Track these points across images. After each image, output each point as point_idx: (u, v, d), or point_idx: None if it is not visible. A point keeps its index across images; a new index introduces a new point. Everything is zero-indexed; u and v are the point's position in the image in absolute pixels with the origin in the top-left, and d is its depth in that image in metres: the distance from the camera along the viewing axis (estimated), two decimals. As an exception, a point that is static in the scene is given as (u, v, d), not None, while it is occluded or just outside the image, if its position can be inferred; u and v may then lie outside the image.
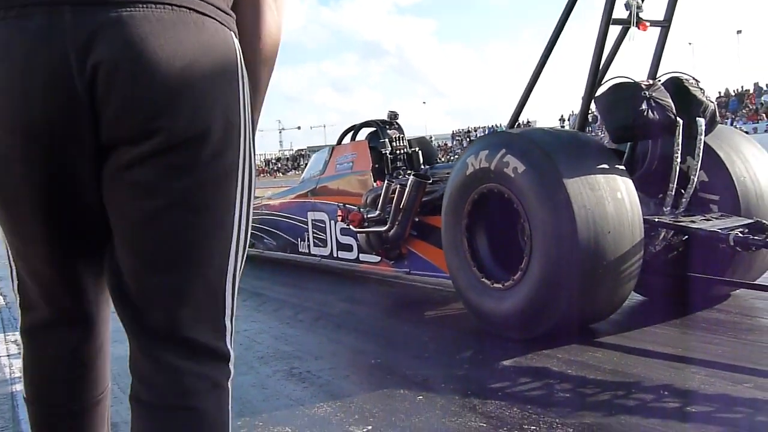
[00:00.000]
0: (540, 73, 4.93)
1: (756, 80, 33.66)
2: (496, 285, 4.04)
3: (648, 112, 4.02)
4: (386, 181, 5.40)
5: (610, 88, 4.26)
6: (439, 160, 6.80)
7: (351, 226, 5.65)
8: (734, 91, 34.27)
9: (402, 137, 6.63)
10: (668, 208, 4.22)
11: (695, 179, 4.23)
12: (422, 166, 6.46)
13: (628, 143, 4.55)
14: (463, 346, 3.95)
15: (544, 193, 3.73)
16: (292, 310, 5.25)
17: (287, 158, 75.69)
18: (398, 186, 5.26)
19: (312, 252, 6.94)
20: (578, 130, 4.50)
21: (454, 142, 52.46)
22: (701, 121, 4.21)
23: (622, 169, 3.91)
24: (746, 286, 4.30)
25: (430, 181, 5.28)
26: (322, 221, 6.70)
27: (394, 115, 6.73)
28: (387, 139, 6.48)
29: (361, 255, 6.14)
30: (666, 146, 4.32)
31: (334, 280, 6.66)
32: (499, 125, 50.34)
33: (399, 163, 6.49)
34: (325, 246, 6.69)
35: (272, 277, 7.13)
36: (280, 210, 7.55)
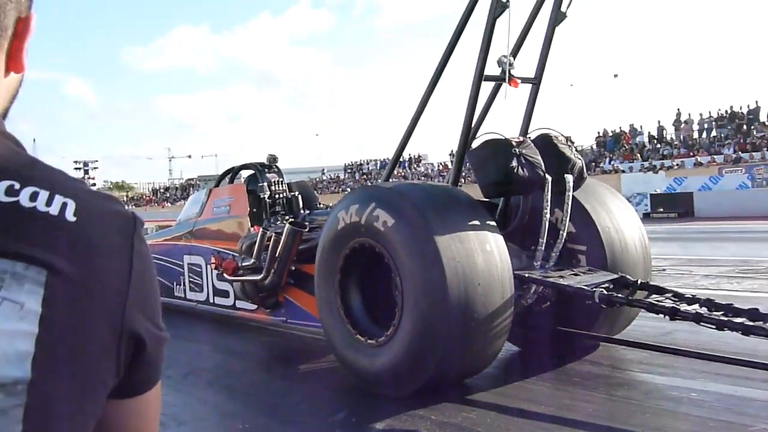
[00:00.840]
0: (418, 119, 4.94)
1: (631, 122, 35.40)
2: (369, 341, 3.96)
3: (518, 169, 4.07)
4: (261, 229, 5.27)
5: (481, 144, 4.30)
6: (319, 205, 6.70)
7: (225, 275, 5.47)
8: (612, 131, 35.92)
9: (281, 181, 6.51)
10: (539, 262, 4.27)
11: (564, 233, 4.31)
12: (301, 211, 6.35)
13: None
14: (335, 407, 3.84)
15: (414, 245, 3.70)
16: (160, 364, 4.98)
17: (176, 187, 73.80)
18: (274, 234, 5.14)
19: (188, 297, 6.68)
20: (451, 184, 4.51)
21: (346, 175, 52.66)
22: (569, 178, 4.31)
23: (492, 224, 3.93)
24: (612, 341, 4.40)
25: (306, 229, 5.18)
26: (199, 265, 6.47)
27: (273, 159, 6.60)
28: (266, 183, 6.34)
29: (237, 302, 5.95)
30: (537, 200, 4.38)
31: (211, 328, 6.40)
32: (388, 159, 51.01)
33: (278, 208, 6.36)
34: (202, 291, 6.46)
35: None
36: (156, 252, 7.24)
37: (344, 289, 4.19)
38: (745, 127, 29.14)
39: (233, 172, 6.83)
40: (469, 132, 4.40)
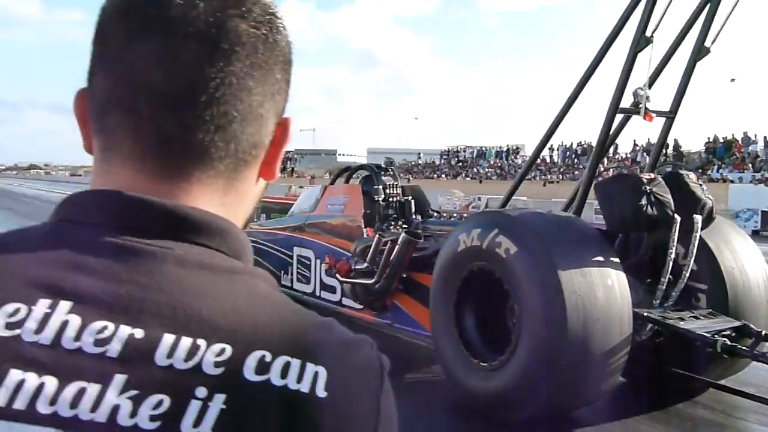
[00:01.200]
0: (551, 135, 4.91)
1: (745, 129, 33.98)
2: (482, 364, 4.01)
3: (647, 207, 4.04)
4: (377, 236, 5.37)
5: (612, 178, 4.29)
6: (431, 211, 6.79)
7: (338, 276, 5.62)
8: (723, 138, 34.59)
9: (396, 185, 6.63)
10: (658, 300, 4.22)
11: (687, 274, 4.25)
12: (414, 217, 6.45)
13: None
14: (441, 426, 3.91)
15: (536, 275, 3.73)
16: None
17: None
18: (390, 242, 5.24)
19: (294, 287, 6.89)
20: (575, 214, 4.50)
21: (442, 161, 52.59)
22: (698, 219, 4.24)
23: (614, 259, 3.91)
24: (728, 390, 4.31)
25: (421, 240, 5.27)
26: (308, 258, 6.66)
27: (390, 162, 6.77)
28: (381, 186, 6.46)
29: (343, 299, 6.10)
30: (659, 237, 4.32)
31: None
32: (486, 147, 50.59)
33: (391, 211, 6.48)
34: (309, 283, 6.65)
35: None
36: (266, 239, 7.49)
37: (459, 310, 4.26)
38: None
39: (350, 172, 6.97)
40: (598, 163, 4.37)
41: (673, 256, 4.18)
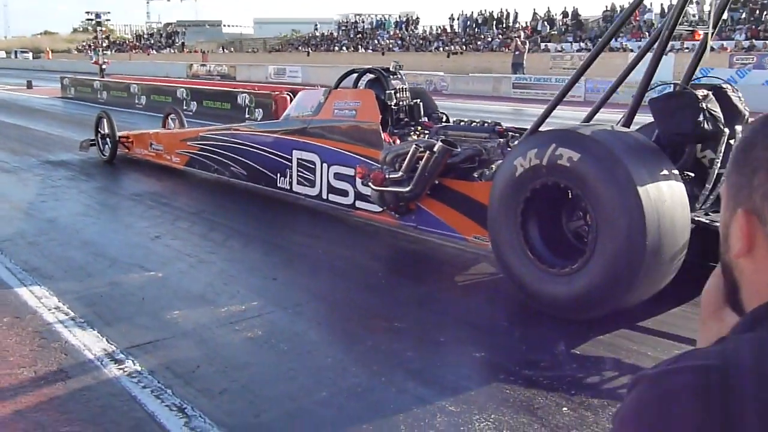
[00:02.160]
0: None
1: (640, -3, 34.88)
2: (562, 271, 4.26)
3: (704, 123, 4.42)
4: (414, 145, 5.57)
5: (669, 94, 4.60)
6: (440, 112, 6.98)
7: (371, 184, 5.82)
8: (620, 6, 35.54)
9: (405, 88, 6.72)
10: (700, 205, 4.69)
11: (724, 178, 4.70)
12: (423, 119, 6.69)
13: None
14: (518, 325, 4.33)
15: (605, 174, 4.00)
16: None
17: (161, 34, 71.74)
18: (427, 152, 5.44)
19: (294, 189, 7.07)
20: (624, 125, 4.81)
21: (340, 32, 51.59)
22: (739, 129, 4.70)
23: (675, 171, 4.25)
24: None
25: (458, 149, 5.52)
26: (312, 162, 6.80)
27: (398, 66, 6.84)
28: (392, 90, 6.60)
29: (358, 202, 6.35)
30: (702, 147, 4.79)
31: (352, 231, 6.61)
32: (385, 17, 49.92)
33: (402, 115, 6.66)
34: (313, 186, 6.83)
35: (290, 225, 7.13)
36: (254, 141, 7.54)
37: (526, 230, 4.57)
38: (758, 11, 29.06)
39: (358, 76, 7.00)
40: (650, 79, 4.65)
41: (718, 166, 4.63)
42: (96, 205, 7.50)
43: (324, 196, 6.68)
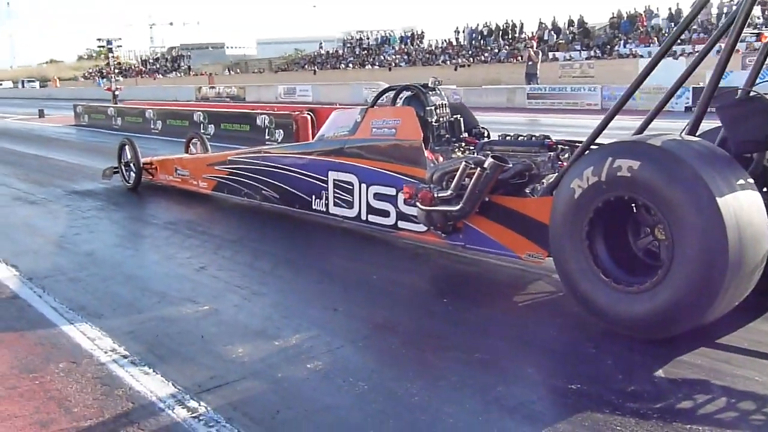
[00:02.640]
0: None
1: (647, 3, 34.84)
2: (633, 288, 4.08)
3: None
4: (463, 162, 5.37)
5: (738, 100, 4.39)
6: (481, 127, 6.78)
7: (418, 204, 5.62)
8: (626, 13, 35.46)
9: (444, 104, 6.53)
10: None
11: None
12: (464, 135, 6.49)
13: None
14: (582, 346, 4.10)
15: (669, 178, 3.81)
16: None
17: (166, 58, 72.01)
18: (477, 169, 5.25)
19: (330, 211, 6.87)
20: (689, 133, 4.60)
21: (345, 49, 51.59)
22: None
23: (749, 178, 4.04)
24: None
25: (509, 165, 5.32)
26: (350, 183, 6.61)
27: (437, 82, 6.64)
28: (432, 107, 6.41)
29: (400, 222, 6.15)
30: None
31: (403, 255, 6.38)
32: (389, 33, 49.93)
33: (443, 131, 6.45)
34: (351, 208, 6.63)
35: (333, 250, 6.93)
36: (287, 163, 7.35)
37: (595, 254, 4.33)
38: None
39: (395, 93, 6.82)
40: (717, 84, 4.45)
41: None
42: (132, 236, 7.30)
43: (363, 218, 6.49)
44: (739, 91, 4.47)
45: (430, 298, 5.06)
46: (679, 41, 25.65)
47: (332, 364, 3.79)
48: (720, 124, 4.54)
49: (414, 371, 3.72)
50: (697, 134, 4.52)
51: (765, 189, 4.53)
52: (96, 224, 7.62)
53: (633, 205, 4.24)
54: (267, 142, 14.46)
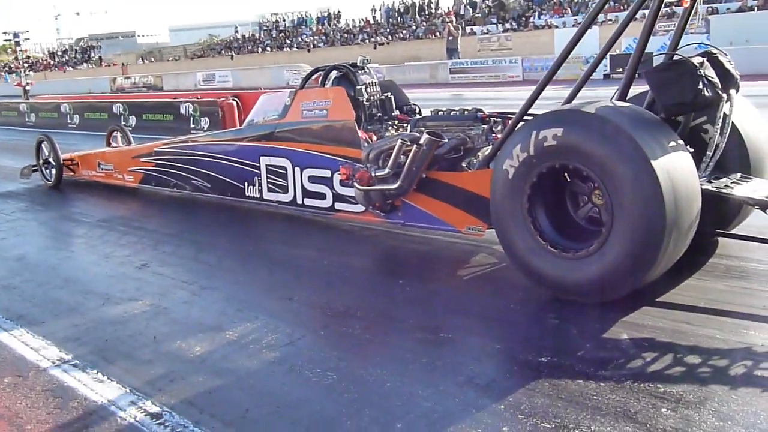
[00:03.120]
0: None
1: (560, -27, 35.32)
2: (577, 254, 4.12)
3: (704, 90, 4.30)
4: (399, 140, 5.31)
5: (666, 65, 4.44)
6: (412, 104, 6.74)
7: (356, 184, 5.56)
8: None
9: (374, 83, 6.50)
10: (701, 172, 4.57)
11: (722, 145, 4.60)
12: (395, 113, 6.45)
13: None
14: (543, 317, 4.10)
15: (595, 135, 3.91)
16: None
17: (75, 50, 69.32)
18: (414, 146, 5.21)
19: (265, 197, 6.73)
20: (618, 99, 4.65)
21: (262, 33, 50.73)
22: (735, 95, 4.58)
23: (680, 141, 4.13)
24: (743, 237, 4.82)
25: (445, 140, 5.30)
26: (282, 167, 6.48)
27: (366, 60, 6.55)
28: (363, 86, 6.33)
29: (337, 204, 6.08)
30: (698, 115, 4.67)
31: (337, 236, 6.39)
32: (305, 14, 49.41)
33: (374, 110, 6.40)
34: (286, 192, 6.51)
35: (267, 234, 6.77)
36: (216, 151, 7.15)
37: (539, 228, 4.33)
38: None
39: (324, 74, 6.68)
40: (644, 49, 4.50)
41: (718, 132, 4.51)
42: (63, 237, 6.98)
43: (299, 201, 6.41)
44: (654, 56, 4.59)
45: (385, 281, 4.98)
46: (586, 11, 26.16)
47: (296, 355, 3.67)
48: (647, 89, 4.62)
49: (381, 356, 3.63)
50: (626, 100, 4.61)
51: (692, 150, 4.66)
52: (23, 227, 7.25)
53: (566, 173, 4.32)
54: (192, 131, 14.06)
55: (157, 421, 3.11)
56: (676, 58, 4.46)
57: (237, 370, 3.56)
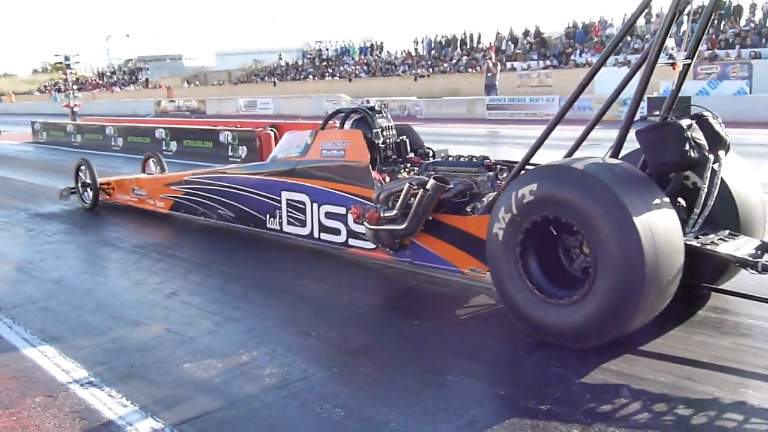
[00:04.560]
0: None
1: (601, 13, 35.55)
2: (561, 301, 4.34)
3: (690, 151, 4.49)
4: (407, 184, 5.55)
5: (654, 125, 4.65)
6: (426, 147, 7.04)
7: (365, 224, 5.81)
8: (581, 22, 36.10)
9: (390, 126, 6.90)
10: (689, 229, 4.71)
11: (711, 203, 4.75)
12: (410, 156, 6.80)
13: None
14: (548, 365, 4.23)
15: (602, 212, 4.07)
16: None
17: (123, 71, 71.20)
18: (420, 189, 5.46)
19: (284, 230, 7.03)
20: (611, 156, 4.80)
21: (305, 60, 51.55)
22: (723, 156, 4.77)
23: (666, 198, 4.29)
24: (732, 293, 4.99)
25: (451, 186, 5.54)
26: (302, 202, 6.78)
27: (383, 105, 6.93)
28: (379, 129, 6.67)
29: (350, 240, 6.34)
30: (688, 174, 4.87)
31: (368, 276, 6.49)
32: (348, 44, 50.12)
33: (389, 152, 6.75)
34: (304, 226, 6.80)
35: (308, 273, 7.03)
36: (241, 183, 7.49)
37: (532, 281, 4.51)
38: (716, 21, 29.61)
39: (344, 116, 7.02)
40: (636, 110, 4.69)
41: (706, 191, 4.68)
42: (100, 261, 7.28)
43: (316, 236, 6.71)
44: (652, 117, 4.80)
45: (400, 320, 5.14)
46: (632, 51, 26.13)
47: (309, 391, 3.87)
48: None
49: (389, 396, 3.81)
50: (620, 157, 4.82)
51: (685, 205, 4.86)
52: (62, 249, 7.59)
53: (551, 227, 4.56)
54: (230, 159, 14.47)
55: (174, 448, 3.32)
56: (659, 118, 4.68)
57: (252, 401, 3.76)
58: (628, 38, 31.96)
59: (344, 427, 3.45)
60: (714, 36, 29.00)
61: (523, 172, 4.96)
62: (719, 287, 5.07)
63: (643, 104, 20.48)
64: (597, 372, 4.00)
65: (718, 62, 25.96)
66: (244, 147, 14.55)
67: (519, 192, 4.46)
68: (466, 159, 6.37)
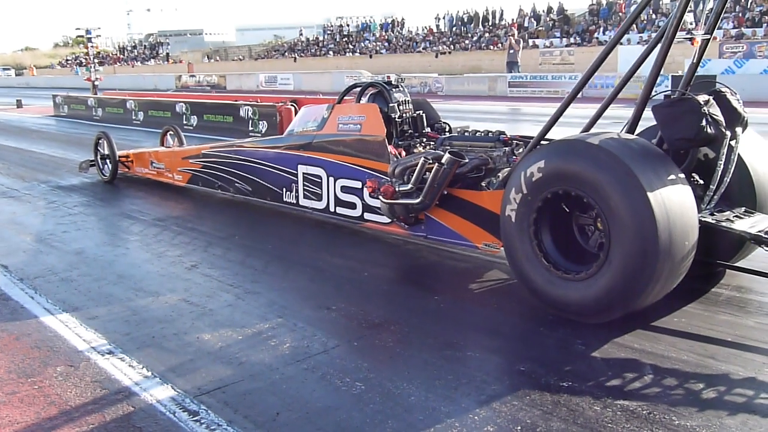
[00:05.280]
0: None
1: (626, -11, 34.99)
2: (577, 276, 4.32)
3: (707, 127, 4.41)
4: (422, 158, 5.49)
5: (671, 100, 4.56)
6: (442, 122, 6.97)
7: (381, 197, 5.78)
8: (606, 0, 35.60)
9: (407, 101, 6.84)
10: (705, 205, 4.66)
11: (727, 180, 4.68)
12: (427, 131, 6.77)
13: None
14: (570, 342, 4.20)
15: (618, 188, 4.03)
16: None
17: (144, 45, 71.27)
18: (436, 164, 5.40)
19: (301, 203, 7.02)
20: (627, 131, 4.74)
21: (326, 36, 51.35)
22: (741, 133, 4.70)
23: (681, 174, 4.24)
24: (746, 270, 4.96)
25: (466, 160, 5.49)
26: (318, 176, 6.75)
27: (400, 79, 6.85)
28: (396, 103, 6.61)
29: (366, 214, 6.33)
30: (705, 150, 4.83)
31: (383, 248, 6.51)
32: (370, 19, 49.80)
33: (406, 127, 6.72)
34: (320, 200, 6.78)
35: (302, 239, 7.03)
36: (258, 157, 7.46)
37: (547, 259, 4.51)
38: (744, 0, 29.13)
39: (360, 90, 6.96)
40: (652, 86, 4.61)
41: (722, 168, 4.61)
42: (121, 234, 7.29)
43: (331, 209, 6.70)
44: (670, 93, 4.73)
45: (421, 295, 5.11)
46: (657, 29, 25.80)
47: (329, 364, 3.85)
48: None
49: (409, 370, 3.78)
50: (637, 133, 4.80)
51: (702, 182, 4.80)
52: (83, 221, 7.62)
53: (560, 201, 4.53)
54: (251, 134, 14.47)
55: (194, 418, 3.32)
56: (678, 95, 4.60)
57: (272, 374, 3.75)
58: (654, 16, 31.57)
59: (364, 400, 3.43)
60: (741, 14, 28.54)
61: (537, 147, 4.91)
62: (734, 264, 5.04)
63: (668, 83, 20.31)
64: (619, 350, 3.97)
65: (745, 41, 25.55)
66: (265, 122, 14.53)
67: (528, 171, 4.46)
68: (482, 134, 6.30)
